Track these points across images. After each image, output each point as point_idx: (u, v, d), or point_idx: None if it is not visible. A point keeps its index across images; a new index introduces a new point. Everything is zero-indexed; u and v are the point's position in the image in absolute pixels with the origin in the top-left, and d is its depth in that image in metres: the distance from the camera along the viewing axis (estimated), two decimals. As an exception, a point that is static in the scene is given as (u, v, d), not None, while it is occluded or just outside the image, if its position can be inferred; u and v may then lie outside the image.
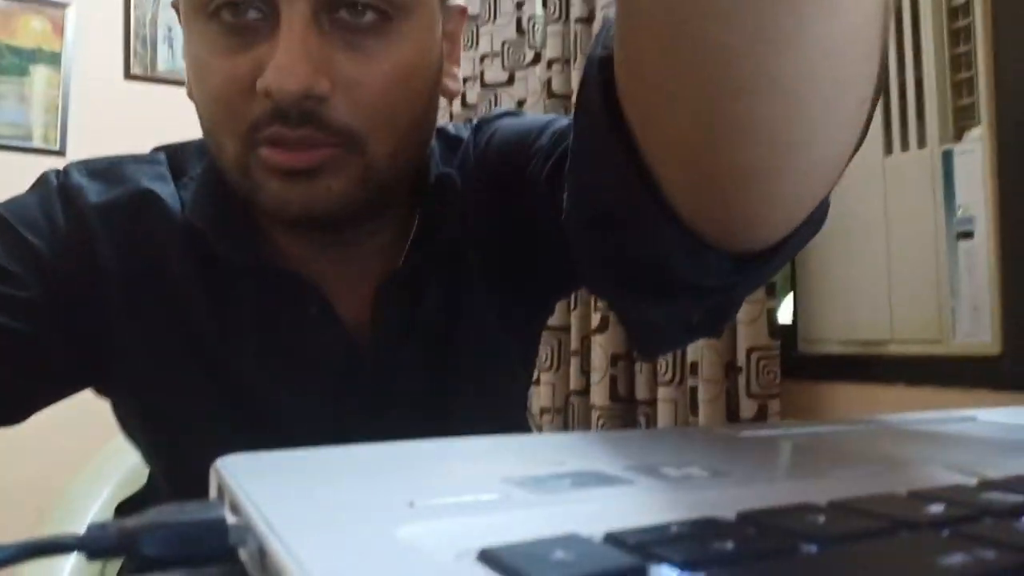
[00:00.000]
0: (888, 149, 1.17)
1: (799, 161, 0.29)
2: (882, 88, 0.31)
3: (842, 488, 0.19)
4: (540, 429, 1.58)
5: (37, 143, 2.12)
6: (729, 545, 0.15)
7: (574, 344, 1.57)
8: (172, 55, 2.28)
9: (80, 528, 0.18)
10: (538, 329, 0.64)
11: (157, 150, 0.57)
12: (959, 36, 1.09)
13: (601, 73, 0.33)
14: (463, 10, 0.54)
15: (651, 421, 1.41)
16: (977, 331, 1.06)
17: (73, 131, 2.16)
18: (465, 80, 1.97)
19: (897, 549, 0.15)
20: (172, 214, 0.52)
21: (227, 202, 0.50)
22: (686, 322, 0.42)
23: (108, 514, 0.82)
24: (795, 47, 0.26)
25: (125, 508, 0.62)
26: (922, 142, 1.13)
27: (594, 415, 1.49)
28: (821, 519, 0.17)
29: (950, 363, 1.08)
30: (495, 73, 1.93)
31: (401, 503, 0.17)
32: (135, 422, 0.55)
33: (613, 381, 1.47)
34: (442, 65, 0.51)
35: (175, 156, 0.56)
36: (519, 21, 1.88)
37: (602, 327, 1.48)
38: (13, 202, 0.51)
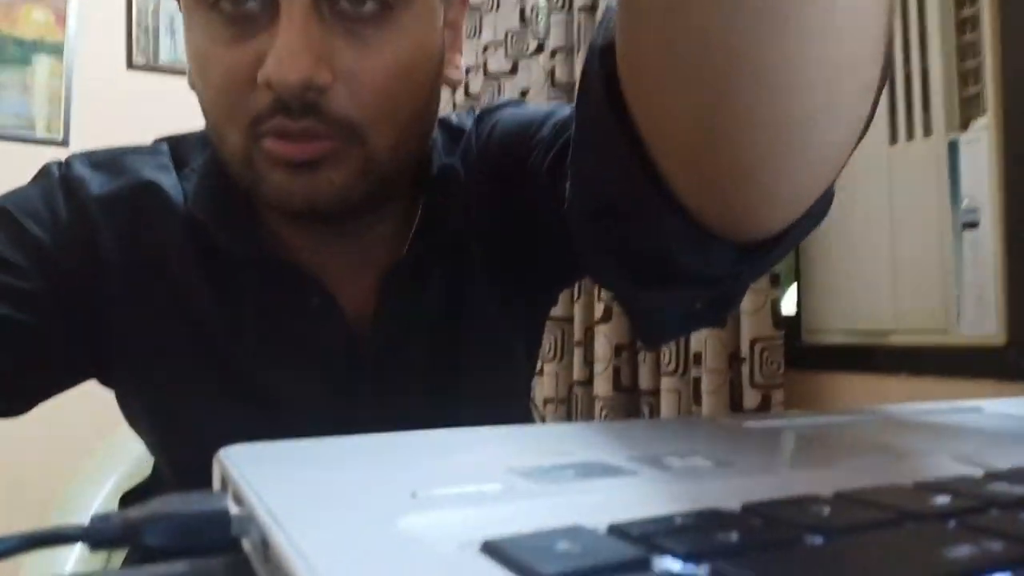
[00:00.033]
0: (893, 138, 1.16)
1: (803, 147, 0.29)
2: (888, 73, 0.30)
3: (847, 479, 0.19)
4: (543, 419, 1.58)
5: (40, 134, 2.13)
6: (734, 536, 0.15)
7: (577, 334, 1.57)
8: (174, 45, 2.27)
9: (84, 519, 0.18)
10: (541, 319, 0.64)
11: (159, 141, 0.57)
12: (966, 25, 1.08)
13: (603, 63, 0.32)
14: (464, -1, 0.54)
15: (654, 411, 1.41)
16: (982, 321, 1.05)
17: (76, 122, 2.17)
18: (468, 70, 1.97)
19: (903, 540, 0.15)
20: (174, 206, 0.52)
21: (229, 194, 0.50)
22: (690, 311, 0.42)
23: (112, 504, 0.83)
24: (796, 30, 0.26)
25: (129, 498, 0.62)
26: (928, 131, 1.12)
27: (597, 405, 1.49)
28: (826, 510, 0.17)
29: (955, 353, 1.08)
30: (498, 62, 1.92)
31: (404, 494, 0.17)
32: (139, 413, 0.55)
33: (616, 371, 1.47)
34: (444, 55, 0.51)
35: (177, 147, 0.56)
36: (522, 10, 1.87)
37: (605, 317, 1.48)
38: (15, 193, 0.51)
